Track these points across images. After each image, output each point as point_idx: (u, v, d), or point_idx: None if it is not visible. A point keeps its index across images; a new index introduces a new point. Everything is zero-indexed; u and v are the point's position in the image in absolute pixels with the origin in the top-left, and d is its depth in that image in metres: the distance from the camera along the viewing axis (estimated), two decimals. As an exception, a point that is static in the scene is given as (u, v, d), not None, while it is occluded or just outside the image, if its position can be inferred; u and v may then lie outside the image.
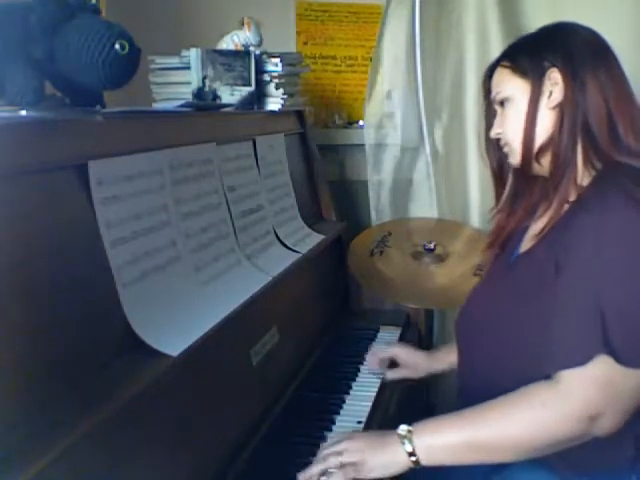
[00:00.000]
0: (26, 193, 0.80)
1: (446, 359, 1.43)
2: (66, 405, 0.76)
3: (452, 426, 1.02)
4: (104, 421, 0.77)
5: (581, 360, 0.97)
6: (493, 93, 1.20)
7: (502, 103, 1.18)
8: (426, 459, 1.01)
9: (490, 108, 1.24)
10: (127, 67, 0.98)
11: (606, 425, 0.97)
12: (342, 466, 1.02)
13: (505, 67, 1.18)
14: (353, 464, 1.02)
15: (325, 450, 1.07)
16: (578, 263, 1.01)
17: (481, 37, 2.01)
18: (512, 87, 1.16)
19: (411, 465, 1.01)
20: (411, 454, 1.00)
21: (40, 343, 0.77)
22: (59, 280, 0.83)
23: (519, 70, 1.15)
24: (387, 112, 2.16)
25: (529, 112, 1.13)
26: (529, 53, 1.15)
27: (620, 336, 0.96)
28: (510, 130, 1.17)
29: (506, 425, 1.00)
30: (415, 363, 1.44)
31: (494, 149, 1.26)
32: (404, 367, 1.45)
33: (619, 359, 0.96)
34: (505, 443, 1.00)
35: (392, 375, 1.44)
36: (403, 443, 1.01)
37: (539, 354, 1.04)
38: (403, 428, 1.03)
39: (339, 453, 1.03)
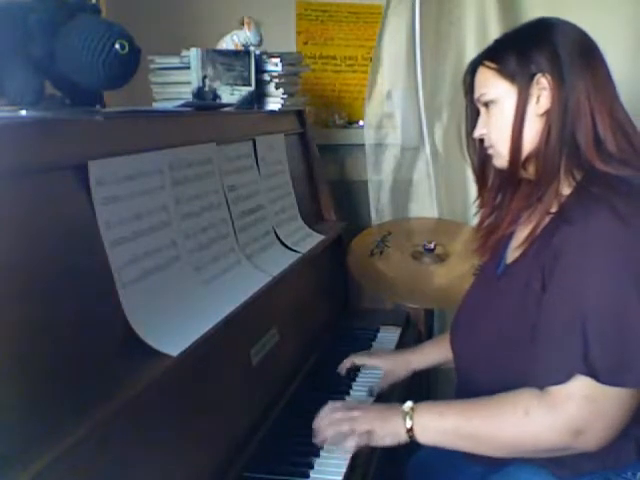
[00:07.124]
0: (26, 193, 0.80)
1: (430, 355, 1.44)
2: (66, 405, 0.76)
3: (449, 413, 1.06)
4: (104, 421, 0.77)
5: (562, 379, 0.98)
6: (477, 93, 1.17)
7: (487, 104, 1.15)
8: (421, 437, 1.06)
9: (472, 106, 1.22)
10: (127, 67, 0.98)
11: (591, 441, 0.98)
12: (353, 432, 1.08)
13: (490, 68, 1.14)
14: (366, 432, 1.07)
15: (337, 414, 1.11)
16: (561, 277, 1.01)
17: (481, 37, 2.02)
18: (498, 90, 1.12)
19: (408, 440, 1.07)
20: (409, 430, 1.06)
21: (40, 343, 0.77)
22: (59, 280, 0.83)
23: (506, 73, 1.11)
24: (387, 112, 2.17)
25: (516, 118, 1.10)
26: (516, 55, 1.11)
27: (600, 354, 0.96)
28: (495, 132, 1.15)
29: (492, 424, 1.03)
30: (390, 370, 1.44)
31: (475, 148, 1.24)
32: (385, 375, 1.44)
33: (599, 379, 0.95)
34: (490, 440, 1.04)
35: (377, 388, 1.41)
36: (405, 419, 1.06)
37: (525, 368, 1.04)
38: (408, 405, 1.08)
39: (352, 419, 1.08)
